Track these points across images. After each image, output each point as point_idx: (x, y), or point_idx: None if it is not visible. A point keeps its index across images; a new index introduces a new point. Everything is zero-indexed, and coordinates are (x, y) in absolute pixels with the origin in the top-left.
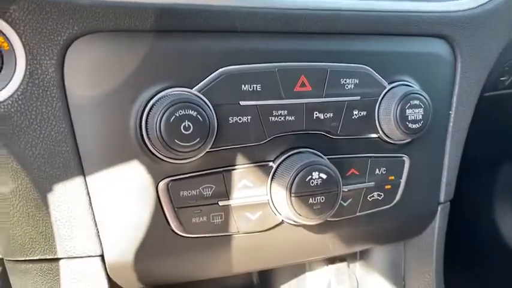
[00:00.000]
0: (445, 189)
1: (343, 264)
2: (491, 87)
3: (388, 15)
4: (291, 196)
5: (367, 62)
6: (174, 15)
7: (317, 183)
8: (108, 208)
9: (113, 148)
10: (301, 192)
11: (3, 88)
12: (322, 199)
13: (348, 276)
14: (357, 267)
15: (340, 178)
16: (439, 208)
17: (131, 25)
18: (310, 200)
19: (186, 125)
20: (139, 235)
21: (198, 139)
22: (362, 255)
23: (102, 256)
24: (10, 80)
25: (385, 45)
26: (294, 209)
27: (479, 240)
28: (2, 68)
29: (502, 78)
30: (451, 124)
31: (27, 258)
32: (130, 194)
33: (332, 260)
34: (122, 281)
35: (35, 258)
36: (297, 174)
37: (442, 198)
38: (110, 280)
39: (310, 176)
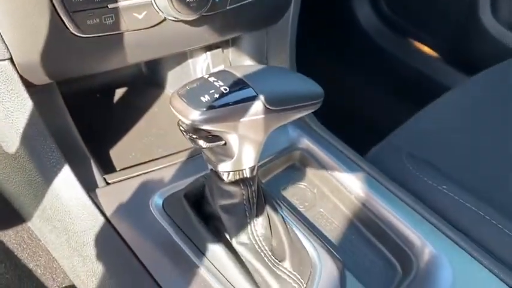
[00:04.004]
0: None
1: (218, 51)
2: None
3: None
4: None
5: None
6: None
7: None
8: (8, 17)
9: None
10: None
11: None
12: None
13: (223, 59)
14: (230, 52)
15: None
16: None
17: None
18: None
19: None
20: (42, 38)
21: None
22: (233, 43)
23: (11, 59)
24: None
25: None
26: (174, 7)
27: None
28: None
29: None
30: None
31: None
32: (26, 3)
33: (209, 48)
34: (32, 78)
35: None
36: None
37: None
38: (22, 78)
39: None
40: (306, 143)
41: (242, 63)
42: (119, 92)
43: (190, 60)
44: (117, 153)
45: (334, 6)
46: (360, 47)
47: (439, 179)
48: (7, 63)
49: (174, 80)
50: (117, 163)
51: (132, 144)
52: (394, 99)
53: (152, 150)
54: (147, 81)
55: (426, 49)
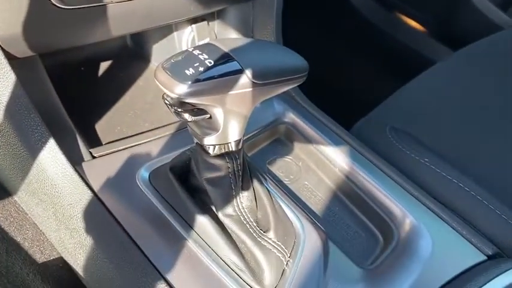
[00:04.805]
0: None
1: (203, 23)
2: None
3: None
4: None
5: None
6: None
7: None
8: None
9: None
10: None
11: None
12: None
13: (208, 32)
14: (215, 25)
15: None
16: None
17: None
18: None
19: None
20: (23, 10)
21: None
22: (219, 15)
23: None
24: None
25: None
26: None
27: None
28: None
29: None
30: None
31: None
32: None
33: (194, 21)
34: (14, 51)
35: None
36: None
37: None
38: (4, 50)
39: None
40: (291, 117)
41: (228, 36)
42: (104, 65)
43: (175, 33)
44: (103, 127)
45: None
46: (347, 21)
47: (422, 152)
48: None
49: (160, 53)
50: (103, 137)
51: (118, 118)
52: (381, 73)
53: (138, 124)
54: (132, 55)
55: (413, 23)
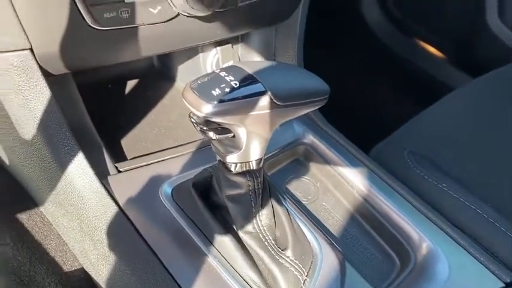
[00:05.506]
0: None
1: (228, 46)
2: None
3: None
4: None
5: None
6: None
7: None
8: (30, 9)
9: None
10: None
11: None
12: None
13: (232, 55)
14: (239, 48)
15: None
16: None
17: None
18: None
19: None
20: (61, 30)
21: None
22: (243, 39)
23: (31, 49)
24: None
25: None
26: (188, 3)
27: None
28: None
29: None
30: None
31: None
32: None
33: (219, 44)
34: (51, 68)
35: None
36: None
37: None
38: (41, 68)
39: None
40: (310, 138)
41: (251, 58)
42: (131, 84)
43: (200, 55)
44: (128, 143)
45: (343, 5)
46: (367, 46)
47: (440, 177)
48: (27, 53)
49: (185, 73)
50: (128, 152)
51: (143, 134)
52: (400, 98)
53: (162, 141)
54: (159, 74)
55: (432, 50)
